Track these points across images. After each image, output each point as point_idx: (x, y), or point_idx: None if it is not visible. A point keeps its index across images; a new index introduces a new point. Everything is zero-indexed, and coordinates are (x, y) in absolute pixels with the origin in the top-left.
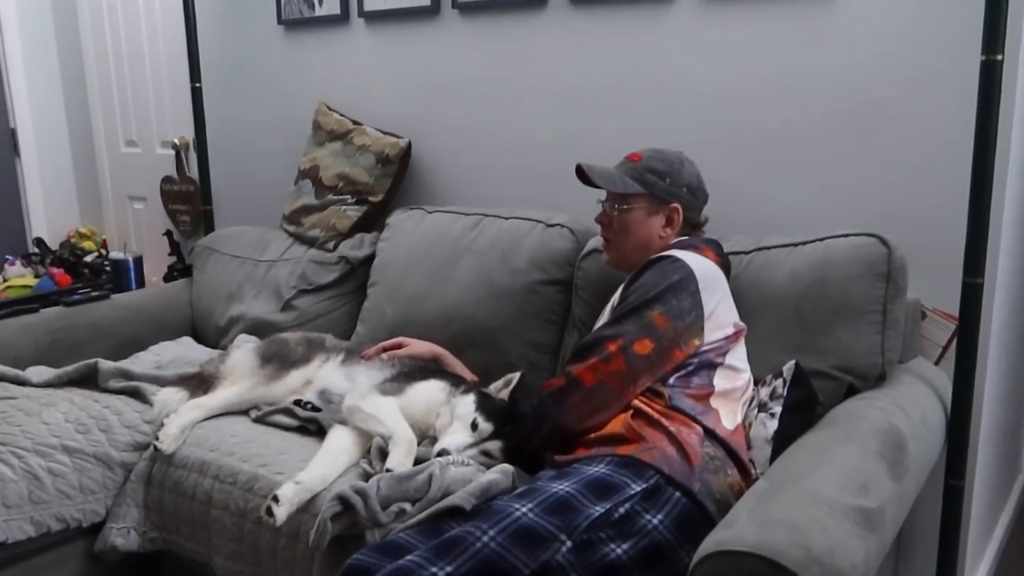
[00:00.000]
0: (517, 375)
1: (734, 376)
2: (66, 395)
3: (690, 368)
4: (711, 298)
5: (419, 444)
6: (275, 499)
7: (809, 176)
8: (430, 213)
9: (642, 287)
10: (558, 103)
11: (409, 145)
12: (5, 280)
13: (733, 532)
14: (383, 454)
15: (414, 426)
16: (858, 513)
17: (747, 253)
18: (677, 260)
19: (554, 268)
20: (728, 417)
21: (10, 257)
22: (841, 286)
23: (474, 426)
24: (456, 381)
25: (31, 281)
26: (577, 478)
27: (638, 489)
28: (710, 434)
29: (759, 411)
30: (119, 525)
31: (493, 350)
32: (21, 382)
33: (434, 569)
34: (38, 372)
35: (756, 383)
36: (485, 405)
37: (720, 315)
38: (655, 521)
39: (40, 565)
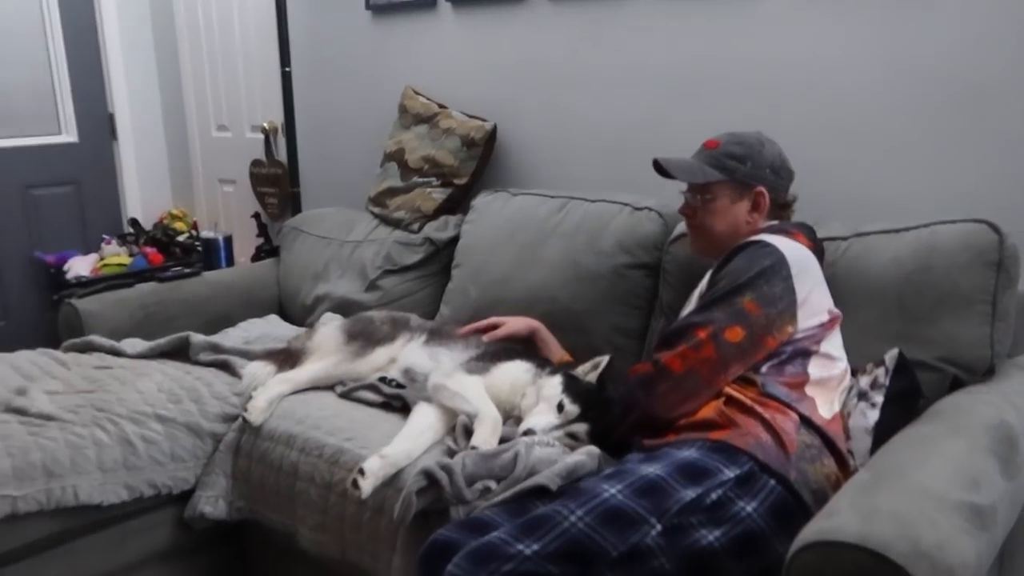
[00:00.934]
0: (605, 358)
1: (830, 364)
2: (159, 366)
3: (783, 356)
4: (804, 284)
5: (503, 424)
6: (361, 472)
7: (912, 161)
8: (515, 196)
9: (732, 273)
10: (645, 85)
11: (494, 128)
12: (102, 258)
13: (834, 522)
14: (468, 432)
15: (499, 406)
16: (969, 509)
17: (844, 239)
18: (767, 245)
19: (641, 252)
20: (825, 406)
21: (107, 236)
22: (947, 274)
23: (560, 407)
24: (542, 362)
25: (126, 260)
26: (668, 461)
27: (731, 475)
28: (806, 422)
29: (859, 400)
30: (208, 493)
31: (578, 333)
32: (117, 353)
33: (520, 546)
34: (133, 344)
35: (855, 372)
36: (572, 387)
37: (814, 301)
38: (748, 509)
39: (133, 529)
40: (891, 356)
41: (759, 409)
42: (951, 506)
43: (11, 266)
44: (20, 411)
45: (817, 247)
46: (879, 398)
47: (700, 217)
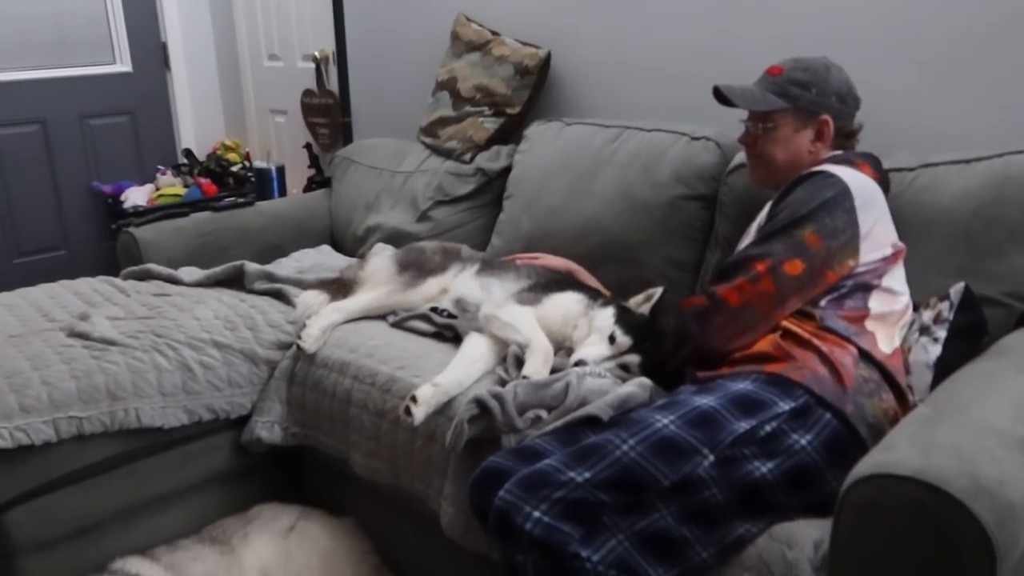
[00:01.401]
0: (659, 290)
1: (891, 299)
2: (215, 294)
3: (843, 290)
4: (868, 216)
5: (555, 355)
6: (413, 399)
7: (986, 89)
8: (569, 125)
9: (793, 204)
10: (707, 7)
11: (548, 55)
12: (158, 189)
13: (892, 456)
14: (519, 362)
15: (550, 337)
16: None
17: (911, 170)
18: (831, 175)
19: (698, 183)
20: (885, 341)
21: (162, 167)
22: (1020, 207)
23: (612, 339)
24: (594, 294)
25: (180, 190)
26: (721, 393)
27: (786, 408)
28: (865, 356)
29: (920, 335)
30: (264, 419)
31: (631, 265)
32: (174, 281)
33: (571, 474)
34: (189, 272)
35: (917, 307)
36: (624, 319)
37: (878, 234)
38: (803, 442)
39: (192, 451)
40: (956, 290)
41: (816, 342)
42: (1014, 442)
43: (70, 196)
44: (84, 336)
45: (883, 178)
46: (942, 333)
47: (761, 146)
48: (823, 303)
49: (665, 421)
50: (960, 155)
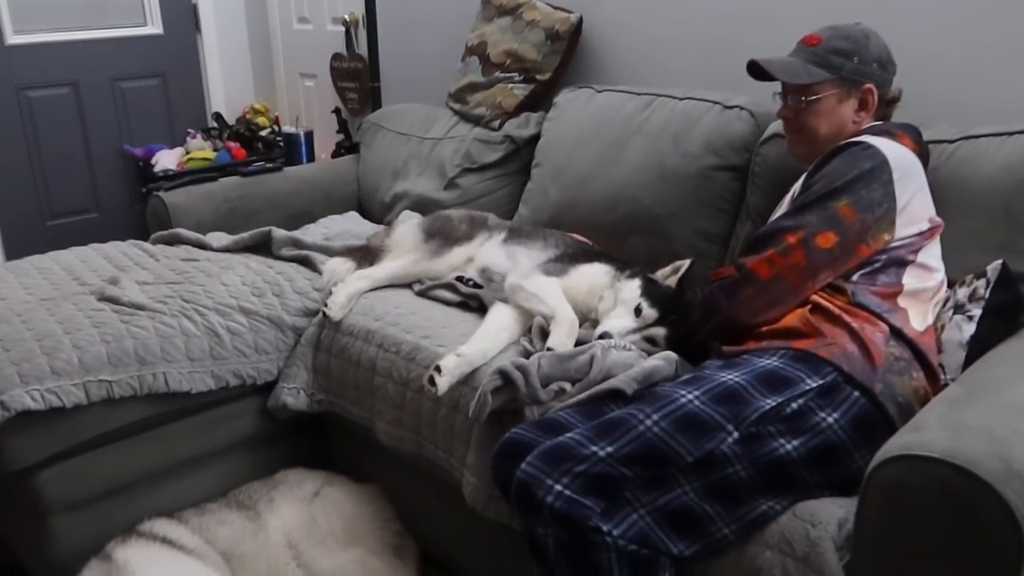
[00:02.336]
0: (687, 262)
1: (926, 275)
2: (242, 260)
3: (877, 265)
4: (906, 189)
5: (580, 326)
6: (437, 369)
7: None
8: (599, 92)
9: (829, 175)
10: None
11: (580, 20)
12: (188, 152)
13: (921, 436)
14: (544, 334)
15: (576, 308)
16: None
17: (952, 142)
18: (870, 146)
19: (730, 153)
20: (917, 318)
21: (192, 130)
22: None
23: (638, 311)
24: (621, 265)
25: (210, 154)
26: (748, 369)
27: (813, 385)
28: (896, 333)
29: (954, 313)
30: (290, 385)
31: (659, 237)
32: (202, 246)
33: (594, 448)
34: (217, 237)
35: (952, 284)
36: (650, 291)
37: (915, 208)
38: (830, 420)
39: (219, 416)
40: (993, 268)
41: (847, 318)
42: None
43: (102, 158)
44: (113, 300)
45: (922, 150)
46: (977, 311)
47: (803, 119)
48: (855, 277)
49: (690, 397)
50: (1003, 127)
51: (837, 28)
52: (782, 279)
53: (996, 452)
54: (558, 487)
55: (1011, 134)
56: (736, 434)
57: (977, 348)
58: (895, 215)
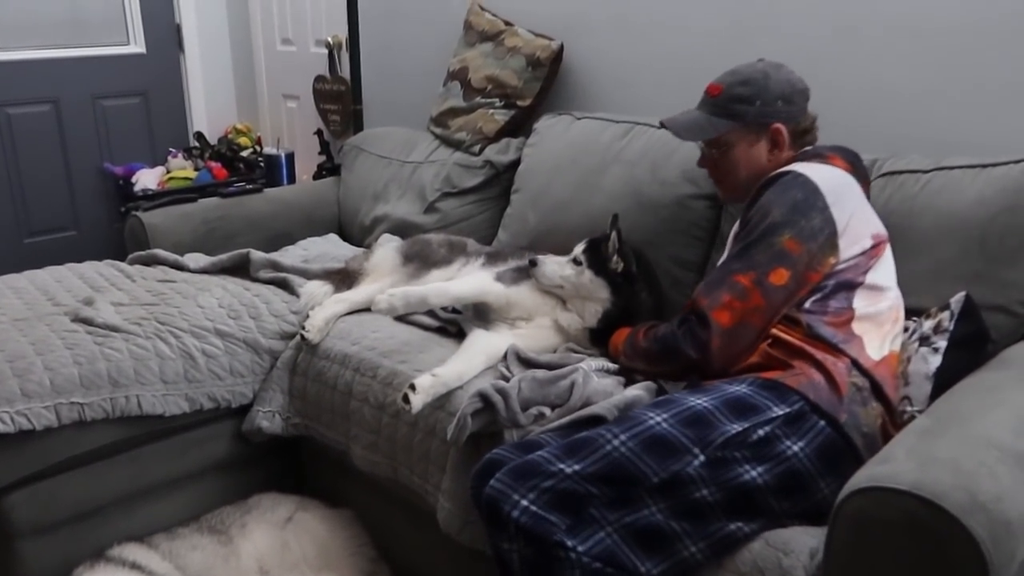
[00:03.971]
0: (613, 232)
1: (877, 297)
2: (220, 281)
3: (826, 290)
4: (843, 211)
5: (554, 352)
6: (412, 387)
7: (1003, 89)
8: (579, 119)
9: (763, 209)
10: (722, 2)
11: (561, 48)
12: (168, 171)
13: (889, 468)
14: (519, 359)
15: (527, 319)
16: None
17: (925, 172)
18: (798, 175)
19: (706, 182)
20: (873, 345)
21: (173, 150)
22: None
23: (576, 261)
24: None
25: (191, 173)
26: (716, 394)
27: (780, 413)
28: (855, 364)
29: (920, 345)
30: (265, 409)
31: None
32: (180, 267)
33: (561, 465)
34: (195, 258)
35: (920, 314)
36: (591, 246)
37: (855, 228)
38: (795, 448)
39: (193, 439)
40: (957, 300)
41: (809, 350)
42: (1014, 457)
43: (82, 177)
44: (87, 321)
45: (857, 169)
46: (942, 343)
47: (721, 168)
48: (808, 305)
49: (658, 419)
50: (976, 159)
51: (736, 73)
52: (746, 324)
53: (962, 484)
54: (524, 502)
55: (984, 166)
56: (702, 457)
57: (943, 380)
58: (837, 238)
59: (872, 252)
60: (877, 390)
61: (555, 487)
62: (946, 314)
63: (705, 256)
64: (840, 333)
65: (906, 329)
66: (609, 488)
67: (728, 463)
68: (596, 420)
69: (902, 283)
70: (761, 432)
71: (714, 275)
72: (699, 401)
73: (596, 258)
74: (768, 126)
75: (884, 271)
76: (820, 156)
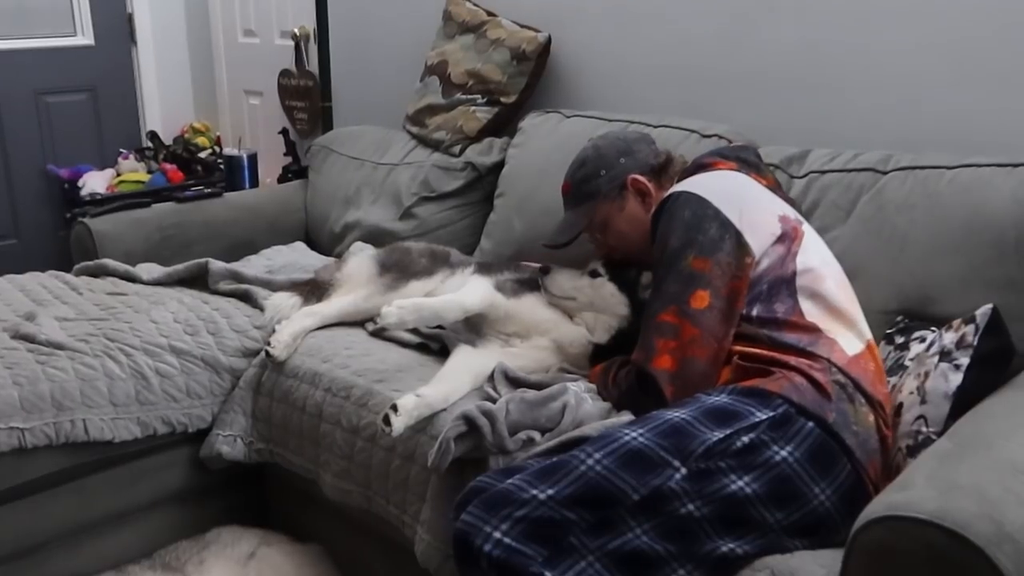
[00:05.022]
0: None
1: (818, 281)
2: (176, 294)
3: (763, 294)
4: (734, 207)
5: (547, 372)
6: (394, 408)
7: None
8: (568, 118)
9: (661, 240)
10: None
11: (548, 40)
12: (119, 174)
13: (908, 496)
14: (507, 378)
15: (526, 336)
16: None
17: (950, 168)
18: (679, 195)
19: None
20: (843, 338)
21: (124, 150)
22: None
23: (593, 273)
24: None
25: (144, 176)
26: (695, 405)
27: (764, 417)
28: (830, 363)
29: (940, 360)
30: (225, 432)
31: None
32: (131, 278)
33: (534, 491)
34: (148, 269)
35: (942, 324)
36: (611, 260)
37: (756, 218)
38: (783, 453)
39: (146, 467)
40: (983, 312)
41: (782, 358)
42: None
43: (23, 180)
44: (29, 338)
45: (745, 164)
46: (965, 359)
47: (612, 244)
48: (755, 314)
49: (633, 434)
50: (1005, 159)
51: (573, 163)
52: (692, 358)
53: (987, 513)
54: (496, 534)
55: (1016, 166)
56: (684, 470)
57: (963, 400)
58: (743, 237)
59: (789, 235)
60: (858, 387)
61: (529, 515)
62: (970, 328)
63: None
64: (805, 336)
65: (923, 340)
66: (587, 511)
67: (712, 474)
68: (583, 441)
69: (930, 287)
70: (745, 439)
71: (642, 326)
72: (677, 414)
73: (619, 273)
74: (623, 186)
75: (813, 251)
76: (700, 166)
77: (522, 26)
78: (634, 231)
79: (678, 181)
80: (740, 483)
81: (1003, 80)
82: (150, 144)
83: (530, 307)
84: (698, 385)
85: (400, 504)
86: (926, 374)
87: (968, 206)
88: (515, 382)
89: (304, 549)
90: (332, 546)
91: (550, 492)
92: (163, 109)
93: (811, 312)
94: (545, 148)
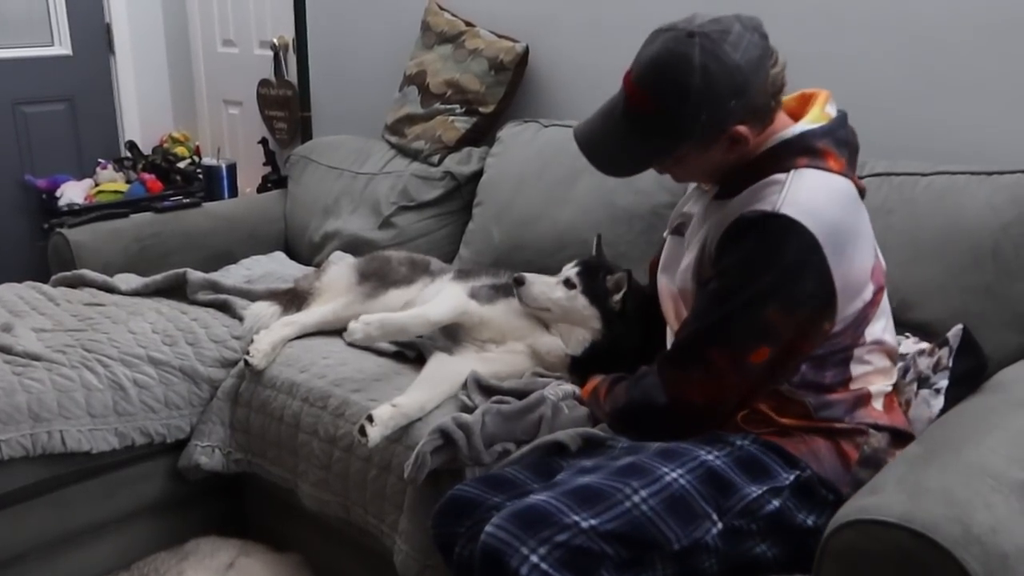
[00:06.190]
0: (623, 275)
1: (878, 353)
2: (154, 305)
3: (818, 354)
4: (841, 258)
5: (522, 377)
6: (369, 419)
7: (1001, 96)
8: (546, 127)
9: (745, 268)
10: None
11: (526, 50)
12: (97, 184)
13: (878, 500)
14: (480, 386)
15: (502, 342)
16: None
17: (925, 175)
18: (790, 224)
19: (684, 191)
20: (879, 397)
21: (102, 160)
22: None
23: (568, 284)
24: None
25: (122, 186)
26: (724, 449)
27: (790, 479)
28: (872, 426)
29: (919, 387)
30: (204, 443)
31: None
32: (109, 289)
33: (576, 517)
34: (126, 280)
35: (920, 331)
36: (587, 271)
37: (857, 276)
38: (809, 522)
39: (123, 479)
40: (955, 334)
41: (814, 426)
42: (1009, 486)
43: (0, 190)
44: (5, 349)
45: (853, 158)
46: (943, 382)
47: (679, 174)
48: (801, 374)
49: (674, 475)
50: (979, 167)
51: (662, 70)
52: (721, 400)
53: (955, 516)
54: (534, 558)
55: (990, 174)
56: (720, 525)
57: None
58: (835, 299)
59: (872, 301)
60: (896, 434)
61: (569, 542)
62: (944, 351)
63: None
64: (848, 399)
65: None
66: (625, 549)
67: (742, 535)
68: (558, 447)
69: (907, 293)
70: (776, 503)
71: (685, 340)
72: (709, 455)
73: (591, 283)
74: (723, 132)
75: (883, 321)
76: (811, 152)
77: (500, 36)
78: (705, 170)
79: (781, 154)
80: (763, 547)
81: (975, 88)
82: (128, 154)
83: (504, 313)
84: (708, 425)
85: (378, 514)
86: (907, 403)
87: (944, 213)
88: (488, 390)
89: (283, 559)
90: (311, 556)
91: (593, 522)
92: (142, 119)
93: (860, 374)
94: (524, 156)
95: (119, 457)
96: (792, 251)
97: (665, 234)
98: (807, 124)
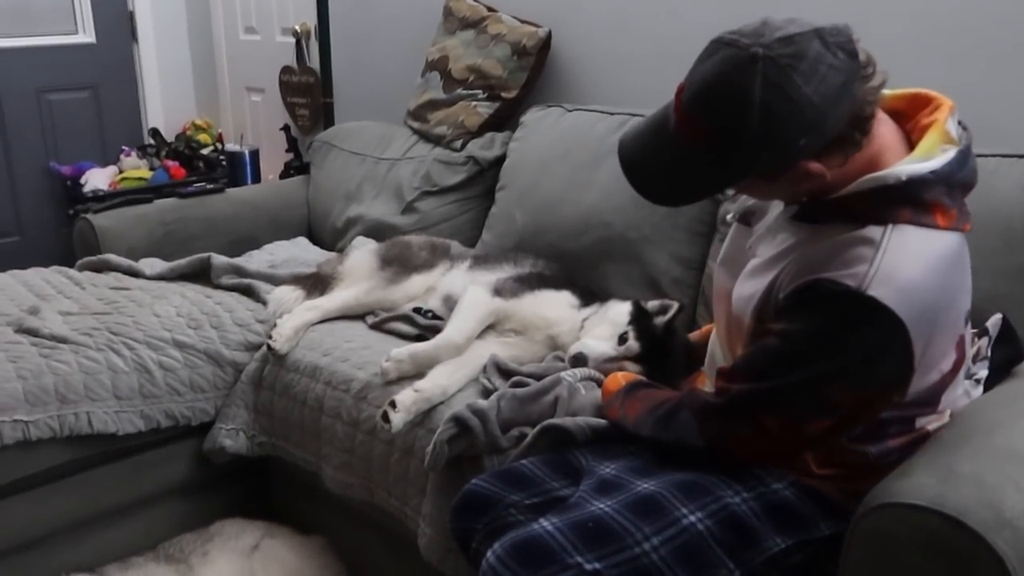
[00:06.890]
0: (675, 305)
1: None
2: (178, 289)
3: (882, 418)
4: (926, 337)
5: (536, 360)
6: (392, 404)
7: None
8: (569, 111)
9: (816, 342)
10: None
11: (549, 35)
12: (121, 171)
13: (908, 483)
14: (500, 370)
15: (527, 335)
16: None
17: None
18: (876, 307)
19: None
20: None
21: (126, 148)
22: None
23: (622, 339)
24: (591, 297)
25: (146, 173)
26: (753, 488)
27: (827, 532)
28: None
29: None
30: (228, 426)
31: (632, 263)
32: (134, 273)
33: (579, 558)
34: (151, 264)
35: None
36: (642, 323)
37: (938, 353)
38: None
39: (149, 461)
40: (994, 323)
41: (869, 472)
42: None
43: (25, 177)
44: (32, 332)
45: (963, 208)
46: (983, 372)
47: (747, 195)
48: (861, 432)
49: (692, 518)
50: (1009, 149)
51: (721, 99)
52: (765, 458)
53: (986, 500)
54: None
55: (1021, 156)
56: (736, 573)
57: None
58: (910, 378)
59: (950, 372)
60: None
61: None
62: (984, 341)
63: (705, 252)
64: (905, 446)
65: None
66: None
67: None
68: (567, 437)
69: None
70: (803, 556)
71: (736, 396)
72: (735, 498)
73: (648, 335)
74: (790, 169)
75: (960, 388)
76: (917, 204)
77: (523, 21)
78: (777, 196)
79: (874, 205)
80: None
81: (1005, 70)
82: (152, 141)
83: (532, 306)
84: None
85: (401, 497)
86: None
87: (975, 196)
88: (508, 373)
89: (308, 541)
90: (336, 538)
91: (597, 566)
92: (165, 106)
93: (924, 424)
94: (547, 141)
95: (145, 439)
96: (874, 337)
97: (729, 217)
98: (917, 164)
